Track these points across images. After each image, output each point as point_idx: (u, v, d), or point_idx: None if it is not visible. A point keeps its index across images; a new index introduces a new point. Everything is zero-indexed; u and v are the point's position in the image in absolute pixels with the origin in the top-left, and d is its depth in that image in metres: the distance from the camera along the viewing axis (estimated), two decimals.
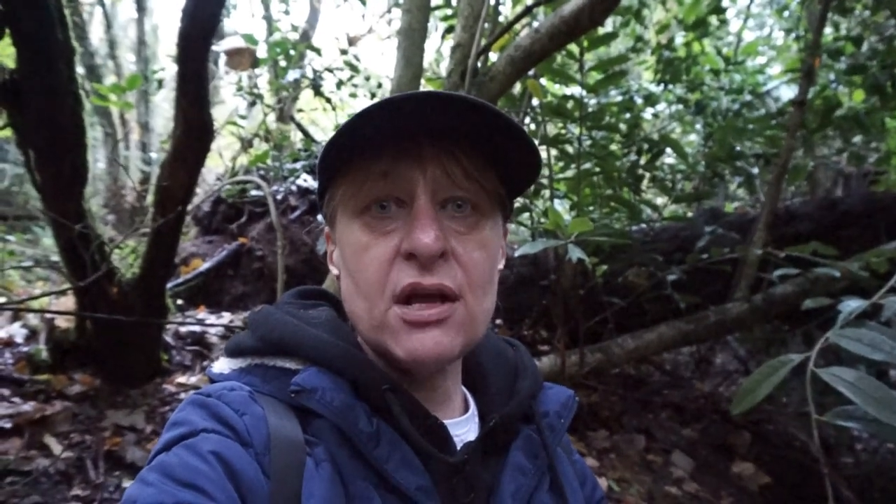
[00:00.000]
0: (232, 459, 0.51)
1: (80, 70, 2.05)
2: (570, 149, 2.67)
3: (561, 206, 2.74)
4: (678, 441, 2.95)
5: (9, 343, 2.57)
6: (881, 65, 3.16)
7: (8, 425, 2.03)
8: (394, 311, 0.58)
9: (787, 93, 3.90)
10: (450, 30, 3.10)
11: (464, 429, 0.66)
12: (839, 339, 1.19)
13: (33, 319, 2.70)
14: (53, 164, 2.04)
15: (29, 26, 1.81)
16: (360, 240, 0.60)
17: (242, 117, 4.71)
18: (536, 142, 2.51)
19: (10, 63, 1.86)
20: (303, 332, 0.61)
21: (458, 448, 0.62)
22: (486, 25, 2.20)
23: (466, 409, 0.70)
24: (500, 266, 0.67)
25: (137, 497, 0.47)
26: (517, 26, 2.38)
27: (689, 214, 3.66)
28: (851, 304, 1.29)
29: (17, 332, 2.65)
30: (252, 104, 4.56)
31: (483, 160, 0.60)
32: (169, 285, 3.04)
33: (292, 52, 3.96)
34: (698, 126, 3.96)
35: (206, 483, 0.48)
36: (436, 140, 0.58)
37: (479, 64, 2.10)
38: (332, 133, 0.67)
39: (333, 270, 0.69)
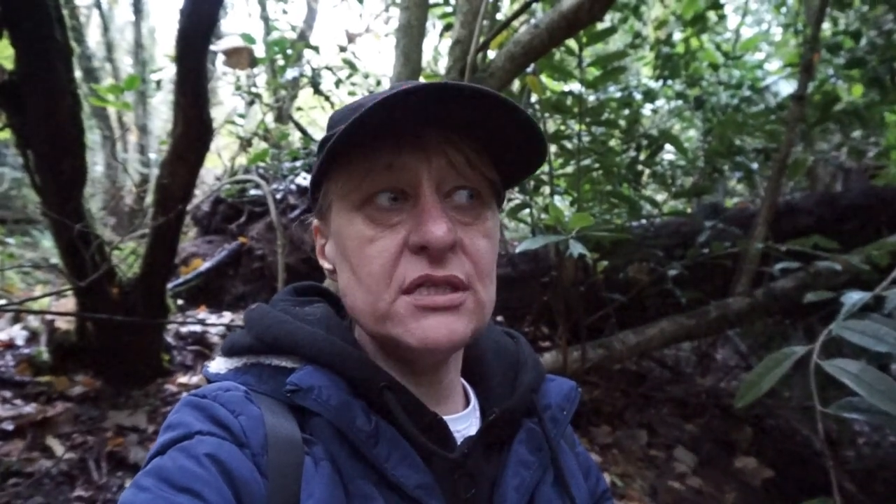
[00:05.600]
0: (228, 461, 0.51)
1: (77, 73, 2.05)
2: (569, 145, 2.66)
3: (561, 202, 2.74)
4: (680, 436, 2.95)
5: (10, 345, 2.56)
6: (880, 59, 3.16)
7: (10, 427, 2.03)
8: (402, 300, 0.57)
9: (787, 88, 3.88)
10: (448, 27, 3.09)
11: (465, 424, 0.65)
12: (843, 331, 1.18)
13: (34, 321, 2.69)
14: (53, 165, 2.04)
15: (28, 27, 1.81)
16: (363, 233, 0.58)
17: (241, 116, 4.70)
18: None
19: (9, 64, 1.86)
20: (298, 330, 0.60)
21: (459, 443, 0.61)
22: (485, 22, 2.19)
23: (467, 402, 0.69)
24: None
25: (133, 502, 0.47)
26: (516, 22, 2.37)
27: (689, 210, 3.65)
28: (854, 297, 1.28)
29: (17, 334, 2.65)
30: (250, 103, 4.56)
31: (481, 148, 0.59)
32: (169, 285, 3.04)
33: (290, 52, 3.95)
34: (698, 121, 3.96)
35: (202, 487, 0.48)
36: (437, 129, 0.57)
37: (478, 60, 2.09)
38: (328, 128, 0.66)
39: (325, 265, 0.68)
